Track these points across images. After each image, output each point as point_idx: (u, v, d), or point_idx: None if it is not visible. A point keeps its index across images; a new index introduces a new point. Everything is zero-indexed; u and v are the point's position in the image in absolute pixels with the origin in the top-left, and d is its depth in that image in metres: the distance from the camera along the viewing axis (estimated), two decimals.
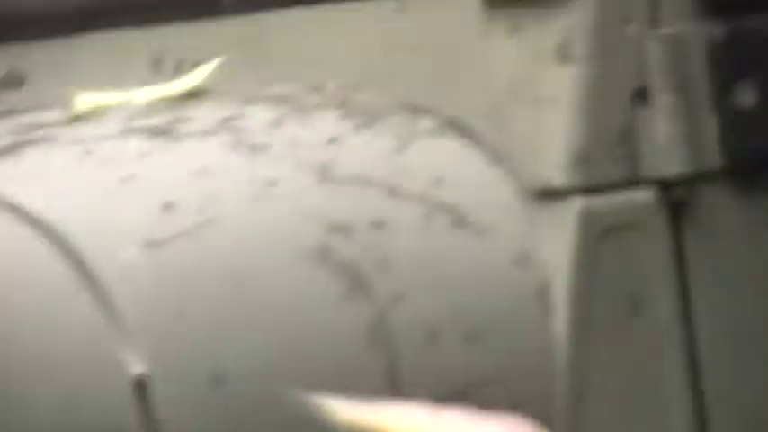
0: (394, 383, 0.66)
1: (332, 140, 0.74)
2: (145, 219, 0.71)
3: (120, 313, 0.65)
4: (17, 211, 0.68)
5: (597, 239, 0.75)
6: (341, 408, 0.61)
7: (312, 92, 0.75)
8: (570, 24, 0.77)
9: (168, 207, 0.72)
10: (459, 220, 0.74)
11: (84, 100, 0.76)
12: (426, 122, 0.79)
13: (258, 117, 0.72)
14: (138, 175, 0.70)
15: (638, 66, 0.76)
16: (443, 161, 0.78)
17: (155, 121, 0.73)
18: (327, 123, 0.71)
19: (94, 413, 0.63)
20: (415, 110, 0.77)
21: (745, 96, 0.78)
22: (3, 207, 0.67)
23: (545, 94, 0.78)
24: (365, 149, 0.76)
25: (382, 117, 0.75)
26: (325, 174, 0.74)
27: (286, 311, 0.67)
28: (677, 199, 0.77)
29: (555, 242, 0.76)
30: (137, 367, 0.64)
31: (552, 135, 0.77)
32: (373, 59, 0.84)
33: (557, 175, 0.75)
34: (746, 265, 0.79)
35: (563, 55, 0.77)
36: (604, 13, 0.77)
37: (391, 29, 0.83)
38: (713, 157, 0.78)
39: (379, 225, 0.71)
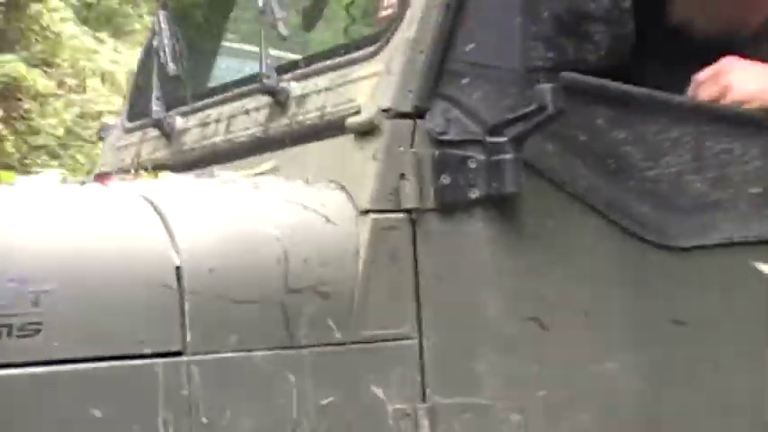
0: None
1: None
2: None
3: (177, 238, 1.71)
4: (146, 199, 1.78)
5: (380, 231, 1.77)
6: None
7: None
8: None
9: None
10: (327, 219, 1.82)
11: None
12: (324, 182, 1.87)
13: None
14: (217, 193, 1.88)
15: None
16: (325, 195, 1.85)
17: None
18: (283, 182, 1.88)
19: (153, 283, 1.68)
20: (328, 181, 1.86)
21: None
22: (142, 198, 1.78)
23: (359, 173, 1.83)
24: (285, 185, 1.86)
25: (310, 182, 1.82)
26: (256, 187, 1.85)
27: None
28: (413, 220, 1.79)
29: (364, 230, 1.77)
30: (177, 261, 1.69)
31: (366, 193, 1.80)
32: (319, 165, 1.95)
33: (366, 205, 1.79)
34: (444, 254, 1.82)
35: (373, 157, 1.84)
36: None
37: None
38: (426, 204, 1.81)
39: (283, 226, 1.79)
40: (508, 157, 1.79)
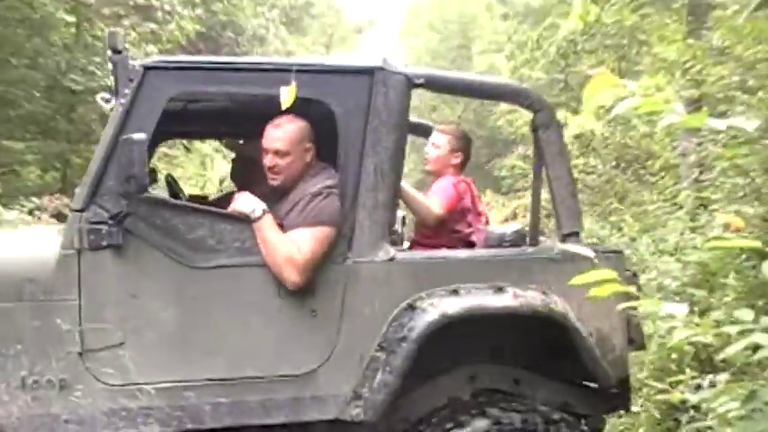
0: None
1: None
2: None
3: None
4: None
5: (63, 257, 4.44)
6: None
7: None
8: None
9: None
10: (51, 251, 4.57)
11: None
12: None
13: None
14: None
15: None
16: (56, 240, 4.64)
17: None
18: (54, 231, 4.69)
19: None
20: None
21: None
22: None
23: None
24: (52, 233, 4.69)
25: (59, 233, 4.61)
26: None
27: None
28: (79, 254, 4.53)
29: (58, 256, 4.55)
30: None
31: (61, 241, 4.60)
32: None
33: (60, 247, 4.56)
34: (91, 268, 4.53)
35: (63, 228, 4.58)
36: None
37: None
38: (84, 247, 4.55)
39: (30, 252, 4.58)
40: (115, 230, 4.50)
